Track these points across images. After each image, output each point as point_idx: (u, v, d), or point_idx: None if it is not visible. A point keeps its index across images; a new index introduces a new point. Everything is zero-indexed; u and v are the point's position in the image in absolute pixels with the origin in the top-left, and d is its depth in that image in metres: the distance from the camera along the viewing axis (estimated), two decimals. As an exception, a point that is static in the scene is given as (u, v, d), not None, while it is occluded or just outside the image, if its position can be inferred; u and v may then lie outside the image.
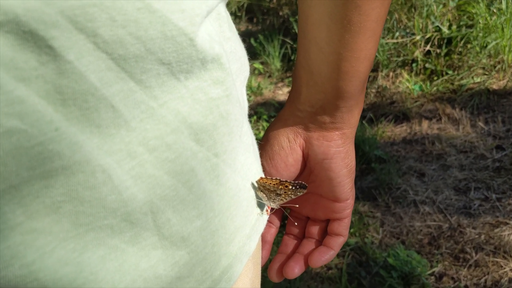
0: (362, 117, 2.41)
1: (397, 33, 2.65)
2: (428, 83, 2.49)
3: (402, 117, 2.36)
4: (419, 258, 1.60)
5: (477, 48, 2.48)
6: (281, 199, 0.47)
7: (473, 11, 2.56)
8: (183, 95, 0.32)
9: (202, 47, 0.32)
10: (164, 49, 0.30)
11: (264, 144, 0.55)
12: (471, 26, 2.57)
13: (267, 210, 0.47)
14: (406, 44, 2.61)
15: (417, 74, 2.57)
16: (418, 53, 2.57)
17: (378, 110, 2.44)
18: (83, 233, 0.29)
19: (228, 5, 4.09)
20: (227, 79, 0.36)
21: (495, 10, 2.54)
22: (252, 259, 0.46)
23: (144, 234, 0.32)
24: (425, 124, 2.27)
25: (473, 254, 1.63)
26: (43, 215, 0.27)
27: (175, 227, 0.34)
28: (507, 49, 2.40)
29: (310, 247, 0.57)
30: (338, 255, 1.73)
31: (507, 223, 1.71)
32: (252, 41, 3.13)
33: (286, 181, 0.47)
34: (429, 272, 1.60)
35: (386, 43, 2.62)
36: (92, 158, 0.27)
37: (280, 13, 3.43)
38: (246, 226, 0.42)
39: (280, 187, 0.46)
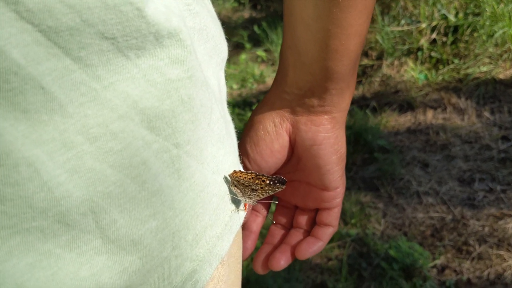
0: (365, 105, 2.38)
1: (403, 21, 2.60)
2: (434, 72, 2.45)
3: (406, 106, 2.32)
4: (421, 250, 1.57)
5: (484, 37, 2.43)
6: (257, 195, 0.43)
7: (481, -2, 2.51)
8: (133, 75, 0.28)
9: (155, 19, 0.28)
10: (105, 20, 0.25)
11: (248, 129, 0.51)
12: (478, 14, 2.52)
13: (245, 205, 0.43)
14: (412, 32, 2.57)
15: (422, 63, 2.53)
16: (423, 42, 2.52)
17: (382, 99, 2.40)
18: (6, 237, 0.24)
19: (231, -9, 4.04)
20: (188, 58, 0.31)
21: (503, -2, 2.49)
22: (229, 259, 0.42)
23: (85, 237, 0.27)
24: (429, 113, 2.23)
25: (476, 247, 1.60)
26: None
27: (123, 229, 0.29)
28: (514, 38, 2.35)
29: (298, 237, 0.54)
30: (338, 246, 1.70)
31: (511, 215, 1.67)
32: (255, 28, 3.08)
33: (263, 175, 0.42)
34: (431, 264, 1.58)
35: (391, 31, 2.58)
36: (14, 150, 0.23)
37: None
38: (217, 225, 0.38)
39: (257, 181, 0.42)
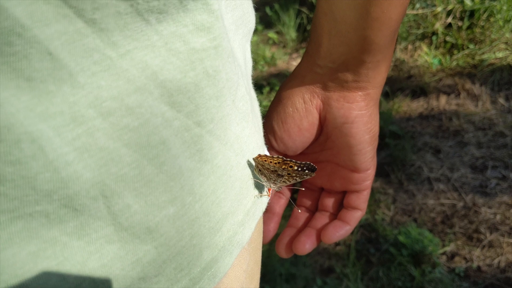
0: (378, 90, 2.34)
1: (418, 5, 2.55)
2: (448, 57, 2.40)
3: (419, 92, 2.28)
4: (431, 236, 1.55)
5: (501, 22, 2.38)
6: (283, 181, 0.40)
7: (499, -18, 2.45)
8: (153, 43, 0.25)
9: None
10: None
11: (275, 104, 0.48)
12: (495, -1, 2.46)
13: (269, 190, 0.40)
14: (427, 16, 2.52)
15: (436, 48, 2.48)
16: (438, 26, 2.48)
17: (394, 84, 2.37)
18: (7, 222, 0.22)
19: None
20: (215, 25, 0.28)
21: (521, -18, 2.43)
22: (249, 246, 0.40)
23: (95, 224, 0.25)
24: (443, 99, 2.20)
25: (487, 235, 1.58)
26: None
27: (137, 216, 0.26)
28: (532, 23, 2.30)
29: (323, 221, 0.52)
30: (347, 231, 1.69)
31: (524, 204, 1.65)
32: (267, 10, 3.04)
33: (290, 160, 0.39)
34: (441, 251, 1.55)
35: (406, 15, 2.53)
36: (16, 123, 0.21)
37: (297, -18, 3.34)
38: (239, 211, 0.35)
39: (283, 167, 0.39)
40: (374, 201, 1.77)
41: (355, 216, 0.51)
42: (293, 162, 0.39)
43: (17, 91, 0.21)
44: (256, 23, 3.07)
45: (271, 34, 2.94)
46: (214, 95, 0.29)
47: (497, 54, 2.33)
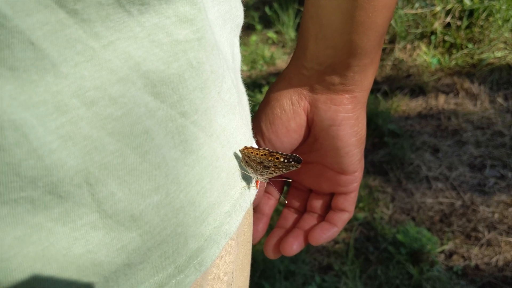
0: (376, 90, 2.34)
1: (417, 4, 2.56)
2: (447, 57, 2.41)
3: (418, 91, 2.29)
4: (429, 235, 1.55)
5: (500, 22, 2.39)
6: (270, 173, 0.41)
7: (497, -18, 2.46)
8: (136, 34, 0.25)
9: None
10: None
11: (264, 106, 0.48)
12: (494, -2, 2.47)
13: (256, 182, 0.41)
14: (426, 16, 2.52)
15: (435, 47, 2.48)
16: (437, 25, 2.48)
17: (393, 83, 2.37)
18: None
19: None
20: (198, 17, 0.28)
21: (520, -18, 2.43)
22: (238, 238, 0.40)
23: (79, 210, 0.25)
24: (441, 98, 2.20)
25: (486, 233, 1.59)
26: None
27: (121, 203, 0.27)
28: (531, 23, 2.30)
29: (311, 222, 0.52)
30: (345, 229, 1.69)
31: (522, 203, 1.65)
32: (266, 9, 3.05)
33: (276, 152, 0.40)
34: (439, 249, 1.56)
35: (405, 14, 2.53)
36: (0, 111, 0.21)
37: (297, -18, 3.34)
38: (225, 202, 0.35)
39: (270, 158, 0.39)
40: (373, 200, 1.77)
41: (342, 218, 0.51)
42: (279, 154, 0.40)
43: (0, 80, 0.21)
44: (255, 22, 3.08)
45: (270, 34, 2.94)
46: (198, 86, 0.30)
47: (496, 54, 2.34)
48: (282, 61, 2.79)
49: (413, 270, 1.49)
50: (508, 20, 2.38)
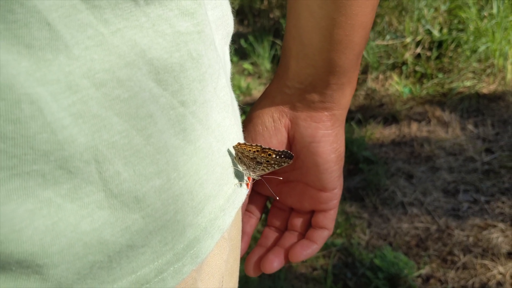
0: (351, 118, 2.38)
1: (388, 36, 2.63)
2: (418, 86, 2.47)
3: (391, 119, 2.33)
4: (406, 259, 1.56)
5: (468, 52, 2.47)
6: (262, 169, 0.42)
7: (464, 15, 2.55)
8: (142, 24, 0.27)
9: None
10: None
11: (246, 124, 0.50)
12: (462, 30, 2.55)
13: (247, 183, 0.41)
14: (397, 47, 2.60)
15: (407, 77, 2.55)
16: (408, 56, 2.55)
17: (367, 112, 2.41)
18: (5, 179, 0.23)
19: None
20: (198, 11, 0.30)
21: (486, 15, 2.53)
22: (230, 240, 0.41)
23: (87, 188, 0.26)
24: (414, 126, 2.25)
25: (461, 256, 1.60)
26: None
27: (126, 184, 0.27)
28: (497, 53, 2.39)
29: (292, 240, 0.53)
30: (323, 256, 1.69)
31: (495, 226, 1.68)
32: (242, 42, 3.10)
33: (269, 148, 0.41)
34: (416, 274, 1.57)
35: (376, 45, 2.60)
36: (17, 84, 0.22)
37: (271, 15, 3.41)
38: (220, 196, 0.36)
39: (262, 154, 0.40)
40: (349, 225, 1.78)
41: (322, 235, 0.52)
42: (271, 150, 0.41)
43: (18, 56, 0.22)
44: (231, 54, 3.14)
45: (246, 65, 2.98)
46: (197, 78, 0.31)
47: (465, 83, 2.41)
48: (258, 91, 2.82)
49: (391, 295, 1.49)
50: (475, 51, 2.46)
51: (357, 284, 1.58)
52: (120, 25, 0.26)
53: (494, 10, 2.52)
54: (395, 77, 2.55)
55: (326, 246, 1.70)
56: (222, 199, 0.37)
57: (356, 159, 2.07)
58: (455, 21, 2.60)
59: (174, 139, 0.30)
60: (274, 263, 0.50)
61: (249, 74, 2.98)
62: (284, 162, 0.42)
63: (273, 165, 0.42)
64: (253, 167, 0.41)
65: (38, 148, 0.23)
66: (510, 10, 2.49)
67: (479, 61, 2.46)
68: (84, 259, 0.26)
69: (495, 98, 2.33)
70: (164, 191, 0.30)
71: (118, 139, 0.27)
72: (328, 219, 0.52)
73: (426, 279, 1.56)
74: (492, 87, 2.38)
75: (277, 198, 0.53)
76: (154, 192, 0.29)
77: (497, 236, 1.64)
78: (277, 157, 0.41)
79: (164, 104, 0.29)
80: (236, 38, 3.22)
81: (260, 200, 0.55)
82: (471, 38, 2.48)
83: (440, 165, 1.99)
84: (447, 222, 1.73)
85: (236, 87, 2.78)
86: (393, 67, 2.59)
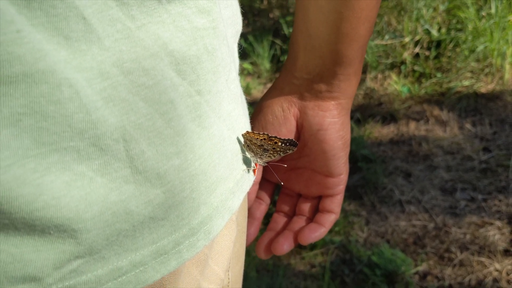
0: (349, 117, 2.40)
1: (387, 36, 2.65)
2: (417, 86, 2.48)
3: (389, 118, 2.35)
4: (404, 256, 1.58)
5: (466, 52, 2.48)
6: (268, 156, 0.44)
7: (463, 15, 2.56)
8: (164, 20, 0.30)
9: None
10: None
11: (256, 113, 0.52)
12: (460, 30, 2.57)
13: (254, 170, 0.44)
14: (396, 47, 2.61)
15: (405, 77, 2.56)
16: (407, 55, 2.57)
17: (365, 111, 2.43)
18: (46, 153, 0.25)
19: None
20: (214, 9, 0.33)
21: (484, 14, 2.54)
22: (238, 225, 0.43)
23: (115, 164, 0.29)
24: (412, 125, 2.26)
25: (458, 254, 1.62)
26: (0, 127, 0.24)
27: (150, 161, 0.31)
28: (495, 53, 2.40)
29: (300, 224, 0.55)
30: (322, 253, 1.71)
31: (492, 223, 1.69)
32: (242, 41, 3.11)
33: (275, 137, 0.44)
34: (413, 271, 1.58)
35: (376, 45, 2.62)
36: (58, 70, 0.25)
37: (271, 15, 3.42)
38: (230, 179, 0.39)
39: (269, 142, 0.43)
40: (348, 223, 1.79)
41: (330, 219, 0.54)
42: (277, 138, 0.43)
43: (58, 46, 0.25)
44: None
45: (246, 65, 3.00)
46: (211, 69, 0.34)
47: (463, 82, 2.42)
48: (257, 91, 2.84)
49: (389, 291, 1.51)
50: (473, 51, 2.48)
51: (355, 280, 1.59)
52: (145, 21, 0.29)
53: (493, 10, 2.53)
54: (394, 76, 2.56)
55: (324, 244, 1.72)
56: (232, 183, 0.39)
57: (355, 158, 2.09)
58: (454, 21, 2.61)
59: (191, 124, 0.33)
60: (284, 246, 0.53)
61: (249, 73, 3.00)
62: (289, 149, 0.44)
63: (278, 152, 0.44)
64: (260, 154, 0.43)
65: (74, 127, 0.26)
66: (508, 10, 2.50)
67: (478, 60, 2.48)
68: (112, 226, 0.29)
69: (493, 97, 2.35)
70: (182, 170, 0.33)
71: (144, 121, 0.30)
72: (335, 204, 0.54)
73: (423, 276, 1.58)
74: (490, 87, 2.39)
75: (282, 183, 0.56)
76: (173, 170, 0.32)
77: (493, 234, 1.66)
78: (283, 144, 0.44)
79: (183, 92, 0.32)
80: (236, 38, 3.23)
81: (270, 187, 0.57)
82: (470, 38, 2.49)
83: (438, 164, 2.01)
84: (445, 220, 1.75)
85: (235, 86, 2.79)
86: (392, 66, 2.61)
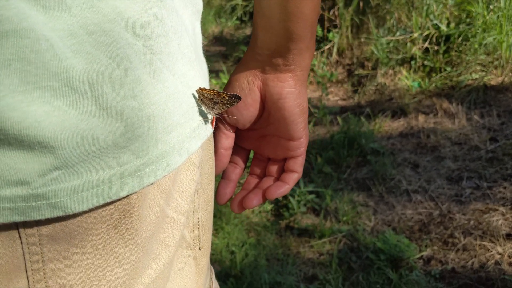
0: (360, 112, 2.46)
1: (397, 33, 2.70)
2: (427, 80, 2.53)
3: (399, 112, 2.40)
4: (408, 242, 1.64)
5: (476, 45, 2.52)
6: (218, 108, 0.52)
7: (472, 9, 2.60)
8: None
9: None
10: None
11: (226, 86, 0.61)
12: (469, 24, 2.60)
13: (212, 122, 0.52)
14: (406, 43, 2.66)
15: (415, 71, 2.61)
16: (416, 50, 2.61)
17: (376, 106, 2.49)
18: (30, 90, 0.34)
19: (234, 10, 4.17)
20: None
21: (492, 8, 2.57)
22: (204, 174, 0.52)
23: (84, 101, 0.37)
24: (421, 118, 2.31)
25: (462, 239, 1.66)
26: None
27: (111, 101, 0.38)
28: (504, 45, 2.43)
29: (269, 183, 0.63)
30: (330, 242, 1.77)
31: (496, 209, 1.73)
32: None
33: (223, 92, 0.52)
34: (418, 256, 1.64)
35: (386, 41, 2.67)
36: (37, 28, 0.33)
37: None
38: (186, 126, 0.47)
39: (218, 97, 0.51)
40: (356, 213, 1.86)
41: (293, 177, 0.62)
42: (225, 93, 0.52)
43: (37, 13, 0.33)
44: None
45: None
46: (162, 34, 0.42)
47: (473, 75, 2.45)
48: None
49: (393, 275, 1.56)
50: (483, 44, 2.51)
51: (361, 266, 1.65)
52: None
53: (502, 4, 2.56)
54: (404, 72, 2.61)
55: (332, 233, 1.79)
56: (188, 129, 0.47)
57: (364, 151, 2.15)
58: (463, 15, 2.64)
59: (146, 76, 0.41)
60: (254, 201, 0.61)
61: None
62: (234, 102, 0.53)
63: (226, 105, 0.53)
64: (212, 106, 0.52)
65: (51, 70, 0.34)
66: (517, 2, 2.53)
67: (487, 53, 2.51)
68: (83, 147, 0.38)
69: (502, 89, 2.37)
70: (139, 110, 0.41)
71: (104, 69, 0.38)
72: (297, 164, 0.62)
73: (427, 260, 1.63)
74: (500, 79, 2.42)
75: (235, 117, 0.63)
76: (131, 110, 0.40)
77: (497, 219, 1.70)
78: (228, 98, 0.53)
79: (137, 50, 0.40)
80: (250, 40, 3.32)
81: (243, 153, 0.66)
82: (479, 31, 2.52)
83: (445, 154, 2.05)
84: (450, 207, 1.79)
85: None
86: (402, 62, 2.66)
